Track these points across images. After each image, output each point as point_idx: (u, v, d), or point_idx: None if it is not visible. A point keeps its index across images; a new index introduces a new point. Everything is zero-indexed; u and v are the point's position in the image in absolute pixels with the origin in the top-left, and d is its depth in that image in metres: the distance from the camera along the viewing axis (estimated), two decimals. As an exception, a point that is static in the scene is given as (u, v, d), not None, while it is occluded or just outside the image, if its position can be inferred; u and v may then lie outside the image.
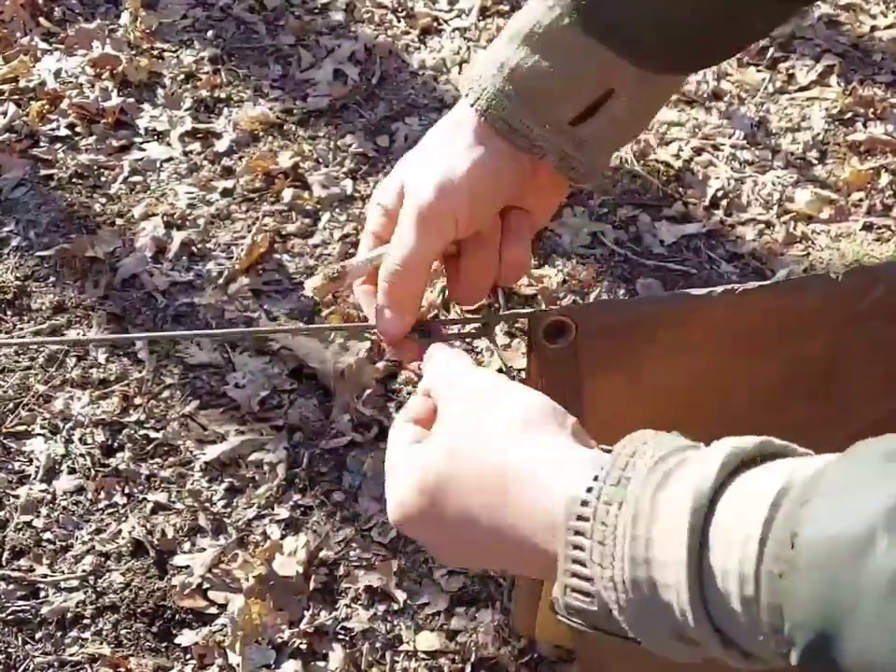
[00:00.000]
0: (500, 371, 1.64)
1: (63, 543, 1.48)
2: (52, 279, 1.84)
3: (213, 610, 1.41)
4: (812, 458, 0.42)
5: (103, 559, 1.46)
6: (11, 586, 1.43)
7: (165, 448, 1.60)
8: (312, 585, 1.44)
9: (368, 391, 1.66)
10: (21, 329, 1.76)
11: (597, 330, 0.68)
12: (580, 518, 0.43)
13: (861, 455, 0.39)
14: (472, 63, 0.68)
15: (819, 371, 0.73)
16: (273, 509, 1.53)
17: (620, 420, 0.57)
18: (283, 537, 1.49)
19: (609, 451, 0.47)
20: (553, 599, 0.45)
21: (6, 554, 1.46)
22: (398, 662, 1.38)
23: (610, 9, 0.60)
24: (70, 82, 2.23)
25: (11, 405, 1.64)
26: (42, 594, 1.43)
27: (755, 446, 0.43)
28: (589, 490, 0.44)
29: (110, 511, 1.52)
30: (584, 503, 0.43)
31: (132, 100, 2.20)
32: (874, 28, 2.41)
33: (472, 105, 0.63)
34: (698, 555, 0.39)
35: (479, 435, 0.50)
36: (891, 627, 0.33)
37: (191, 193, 2.01)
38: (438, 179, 0.62)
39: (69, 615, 1.40)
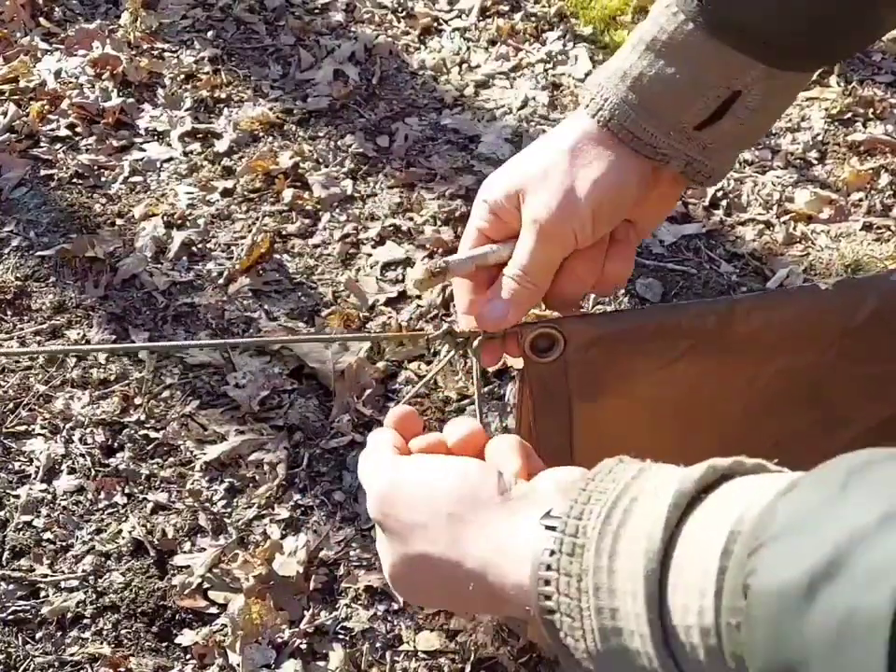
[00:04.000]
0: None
1: (64, 543, 1.48)
2: (52, 279, 1.84)
3: (213, 610, 1.41)
4: (764, 483, 0.41)
5: (103, 559, 1.47)
6: (11, 586, 1.43)
7: (165, 448, 1.60)
8: (312, 585, 1.44)
9: (368, 391, 1.66)
10: (22, 329, 1.76)
11: (587, 343, 0.67)
12: (545, 597, 0.44)
13: (817, 482, 0.39)
14: (595, 71, 0.69)
15: (812, 379, 0.72)
16: (273, 509, 1.53)
17: (613, 433, 0.57)
18: (283, 536, 1.49)
19: (551, 511, 0.47)
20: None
21: (6, 554, 1.46)
22: (398, 661, 1.38)
23: (738, 10, 0.59)
24: (70, 82, 2.23)
25: (11, 405, 1.64)
26: (42, 593, 1.43)
27: (701, 477, 0.42)
28: (549, 568, 0.44)
29: (110, 510, 1.52)
30: (546, 582, 0.44)
31: (132, 100, 2.20)
32: (873, 28, 2.41)
33: (594, 116, 0.63)
34: (660, 618, 0.40)
35: (425, 540, 0.52)
36: None
37: (191, 193, 2.01)
38: (560, 196, 0.63)
39: (69, 615, 1.41)
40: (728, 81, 0.61)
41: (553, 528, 0.45)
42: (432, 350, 1.72)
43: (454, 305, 1.81)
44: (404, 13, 2.46)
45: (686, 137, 0.62)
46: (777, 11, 0.59)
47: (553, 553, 0.44)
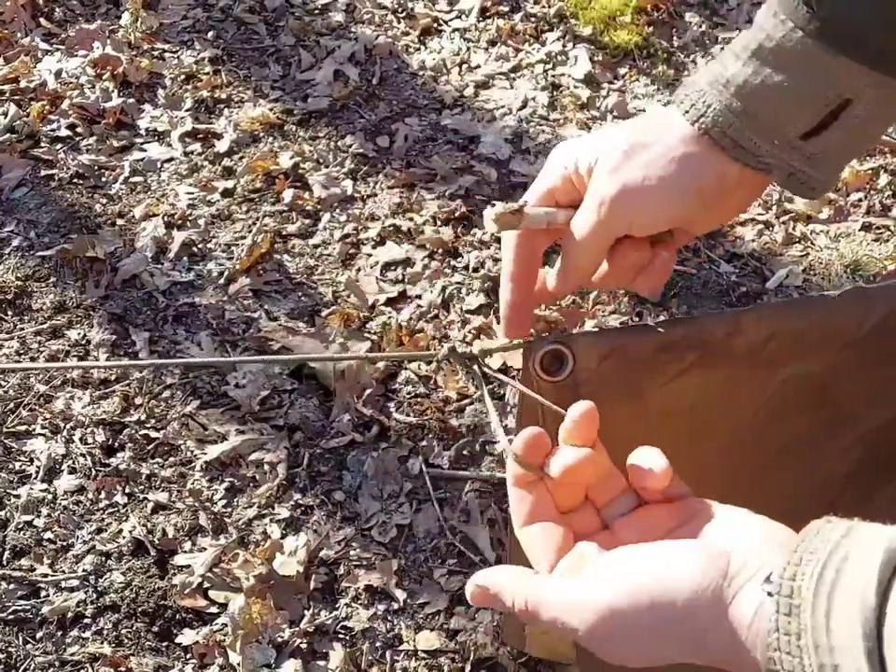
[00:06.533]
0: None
1: (64, 543, 1.48)
2: (53, 279, 1.84)
3: (213, 610, 1.41)
4: None
5: (103, 559, 1.47)
6: (12, 586, 1.43)
7: (166, 448, 1.60)
8: (312, 585, 1.44)
9: (368, 391, 1.66)
10: (22, 329, 1.76)
11: (596, 359, 0.67)
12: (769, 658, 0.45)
13: None
14: (690, 77, 0.66)
15: (820, 384, 0.72)
16: (273, 508, 1.53)
17: (624, 444, 0.57)
18: (283, 536, 1.49)
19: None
20: None
21: (6, 554, 1.47)
22: (398, 661, 1.38)
23: (854, 17, 0.57)
24: (71, 83, 2.24)
25: (12, 405, 1.64)
26: (43, 593, 1.43)
27: None
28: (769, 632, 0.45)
29: (111, 510, 1.53)
30: (768, 645, 0.45)
31: (132, 100, 2.20)
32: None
33: (695, 123, 0.61)
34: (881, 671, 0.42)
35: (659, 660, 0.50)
36: None
37: (192, 193, 2.01)
38: (630, 183, 0.61)
39: (70, 615, 1.41)
40: (838, 90, 0.59)
41: (771, 594, 0.45)
42: (433, 349, 1.72)
43: (454, 306, 1.82)
44: (404, 14, 2.46)
45: (791, 147, 0.61)
46: None
47: (770, 616, 0.45)
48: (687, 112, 0.62)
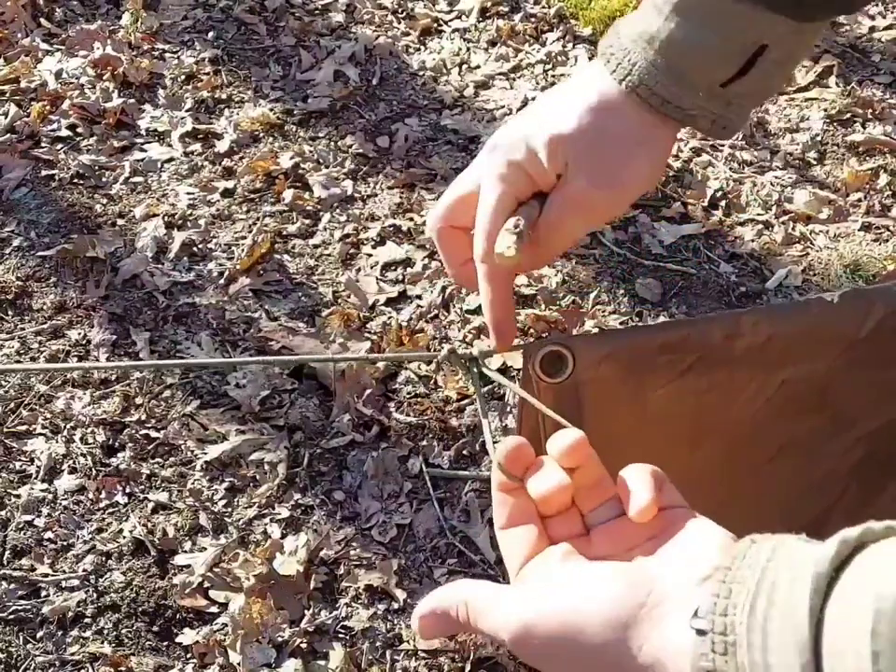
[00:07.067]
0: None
1: (65, 543, 1.49)
2: (53, 279, 1.84)
3: (213, 609, 1.41)
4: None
5: (104, 558, 1.47)
6: (12, 585, 1.44)
7: (166, 448, 1.60)
8: (312, 584, 1.44)
9: (368, 391, 1.66)
10: (23, 329, 1.76)
11: (596, 360, 0.67)
12: None
13: None
14: (612, 32, 0.66)
15: (819, 386, 0.73)
16: (273, 508, 1.53)
17: (625, 447, 0.57)
18: (283, 536, 1.50)
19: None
20: None
21: (7, 554, 1.47)
22: (398, 661, 1.39)
23: None
24: (71, 83, 2.24)
25: (13, 405, 1.65)
26: (43, 593, 1.43)
27: (835, 555, 0.42)
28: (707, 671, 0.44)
29: (111, 510, 1.53)
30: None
31: (132, 101, 2.21)
32: (872, 29, 2.42)
33: (622, 82, 0.62)
34: None
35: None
36: None
37: (192, 194, 2.01)
38: (604, 182, 0.63)
39: (70, 614, 1.41)
40: (756, 37, 0.61)
41: (702, 632, 0.44)
42: (433, 349, 1.72)
43: (454, 306, 1.82)
44: (404, 14, 2.46)
45: (711, 95, 0.63)
46: None
47: (705, 654, 0.44)
48: (614, 72, 0.63)
